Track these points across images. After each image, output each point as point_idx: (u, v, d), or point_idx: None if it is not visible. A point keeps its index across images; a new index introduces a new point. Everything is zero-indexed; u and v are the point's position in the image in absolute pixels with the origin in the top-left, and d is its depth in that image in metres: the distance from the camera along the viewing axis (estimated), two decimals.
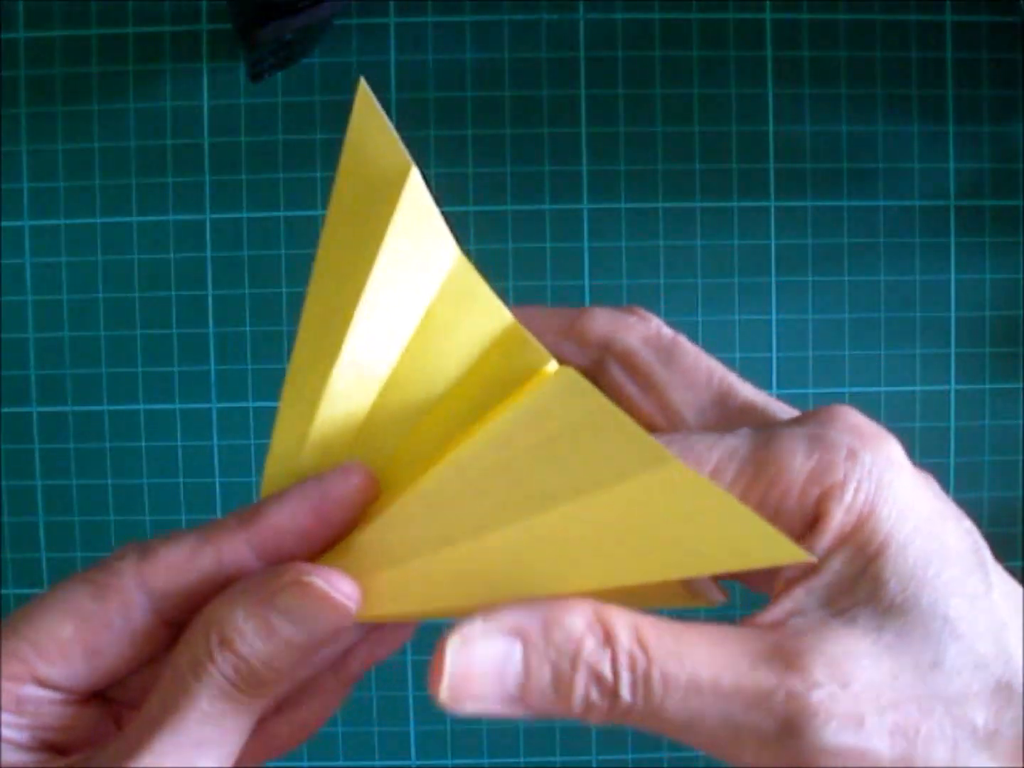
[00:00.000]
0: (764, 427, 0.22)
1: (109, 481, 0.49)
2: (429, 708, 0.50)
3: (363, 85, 0.25)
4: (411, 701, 0.50)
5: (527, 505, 0.21)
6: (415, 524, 0.22)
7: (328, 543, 0.24)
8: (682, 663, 0.20)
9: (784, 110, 0.49)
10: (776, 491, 0.21)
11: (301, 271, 0.50)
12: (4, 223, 0.49)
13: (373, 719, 0.50)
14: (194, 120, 0.49)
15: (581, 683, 0.20)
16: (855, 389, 0.50)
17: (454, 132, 0.49)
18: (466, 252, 0.26)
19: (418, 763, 0.50)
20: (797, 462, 0.21)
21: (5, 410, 0.49)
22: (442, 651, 0.21)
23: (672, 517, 0.20)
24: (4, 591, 0.49)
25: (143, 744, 0.21)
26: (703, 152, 0.50)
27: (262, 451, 0.50)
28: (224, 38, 0.49)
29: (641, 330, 0.26)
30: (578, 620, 0.20)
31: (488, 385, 0.24)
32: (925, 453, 0.50)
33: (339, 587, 0.22)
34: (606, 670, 0.20)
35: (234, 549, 0.23)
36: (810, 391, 0.50)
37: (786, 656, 0.20)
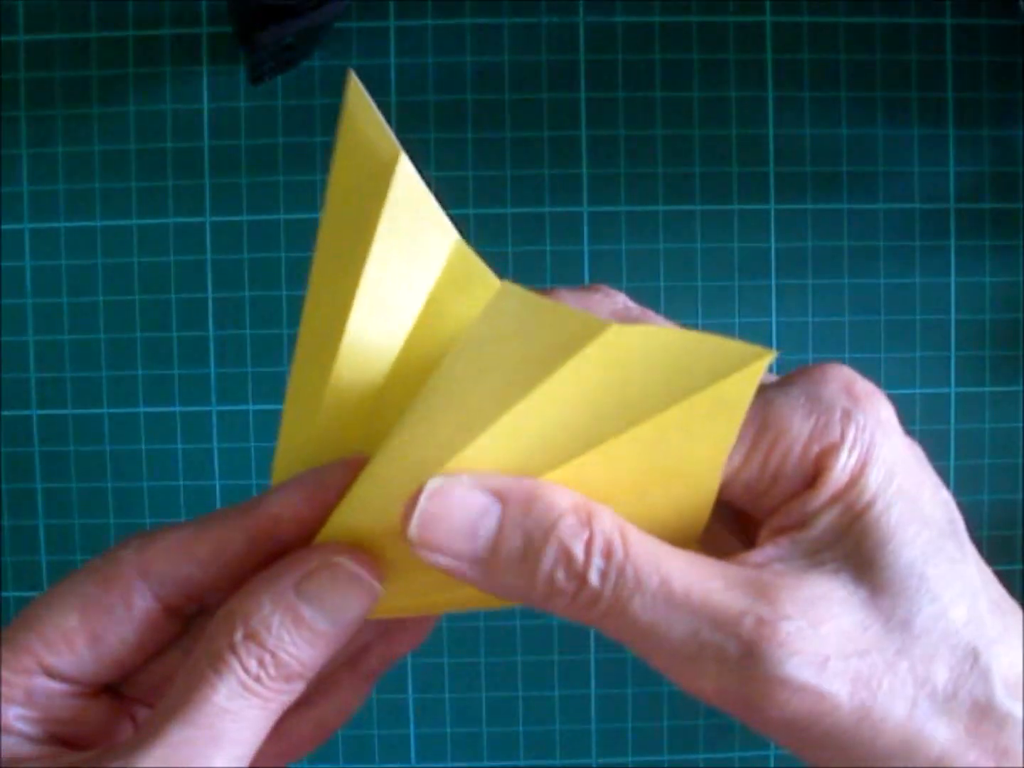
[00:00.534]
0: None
1: (109, 484, 0.49)
2: (429, 711, 0.50)
3: (353, 78, 0.24)
4: (411, 704, 0.50)
5: (501, 408, 0.21)
6: (394, 477, 0.22)
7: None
8: (658, 566, 0.20)
9: (784, 113, 0.49)
10: (778, 452, 0.21)
11: (301, 274, 0.49)
12: (4, 226, 0.49)
13: (373, 722, 0.50)
14: (194, 123, 0.49)
15: (550, 557, 0.20)
16: None
17: (454, 135, 0.49)
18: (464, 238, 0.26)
19: (418, 766, 0.50)
20: (796, 424, 0.21)
21: (5, 413, 0.49)
22: (420, 489, 0.21)
23: (636, 373, 0.20)
24: (4, 594, 0.49)
25: (156, 738, 0.21)
26: (703, 155, 0.50)
27: (262, 454, 0.50)
28: (224, 41, 0.49)
29: (608, 306, 0.26)
30: (563, 498, 0.21)
31: None
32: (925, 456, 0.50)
33: (365, 566, 0.22)
34: (578, 549, 0.20)
35: (231, 537, 0.23)
36: None
37: (762, 587, 0.20)
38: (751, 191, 0.50)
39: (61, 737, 0.24)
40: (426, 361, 0.24)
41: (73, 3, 0.48)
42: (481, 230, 0.48)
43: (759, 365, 0.21)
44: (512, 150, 0.49)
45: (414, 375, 0.24)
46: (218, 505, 0.49)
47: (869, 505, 0.21)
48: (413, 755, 0.50)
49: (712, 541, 0.23)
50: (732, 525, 0.25)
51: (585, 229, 0.49)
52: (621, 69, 0.49)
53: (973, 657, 0.20)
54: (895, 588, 0.20)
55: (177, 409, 0.49)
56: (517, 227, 0.49)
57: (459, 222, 0.51)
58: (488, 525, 0.21)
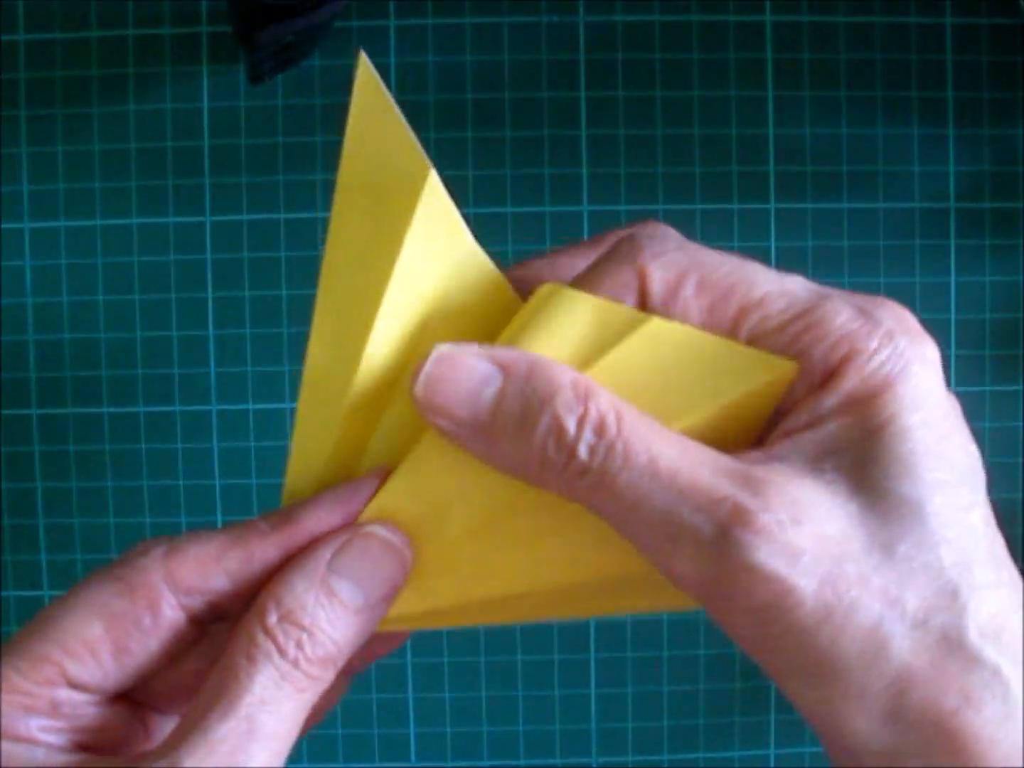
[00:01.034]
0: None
1: (109, 483, 0.49)
2: (429, 710, 0.50)
3: (364, 59, 0.24)
4: (411, 703, 0.50)
5: None
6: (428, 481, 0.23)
7: None
8: (649, 446, 0.20)
9: (784, 112, 0.49)
10: (809, 336, 0.21)
11: (301, 273, 0.50)
12: (4, 225, 0.49)
13: (373, 721, 0.50)
14: (194, 122, 0.49)
15: (543, 427, 0.21)
16: None
17: (454, 134, 0.49)
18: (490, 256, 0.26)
19: (418, 765, 0.50)
20: (839, 320, 0.21)
21: (5, 412, 0.49)
22: (430, 353, 0.22)
23: (672, 370, 0.21)
24: (4, 593, 0.49)
25: (194, 735, 0.21)
26: (703, 154, 0.50)
27: (262, 453, 0.50)
28: (224, 40, 0.49)
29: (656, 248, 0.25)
30: (564, 374, 0.21)
31: None
32: None
33: (396, 534, 0.23)
34: (570, 422, 0.21)
35: (264, 551, 0.23)
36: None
37: (750, 480, 0.20)
38: (751, 190, 0.50)
39: (84, 745, 0.24)
40: None
41: (73, 2, 0.48)
42: (481, 229, 0.48)
43: (785, 377, 0.21)
44: (512, 149, 0.49)
45: None
46: (218, 504, 0.49)
47: (886, 424, 0.21)
48: (413, 754, 0.50)
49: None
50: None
51: (585, 228, 0.49)
52: (621, 68, 0.49)
53: (952, 595, 0.20)
54: (888, 511, 0.20)
55: (177, 408, 0.49)
56: (517, 226, 0.49)
57: None
58: (489, 392, 0.21)
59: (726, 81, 0.49)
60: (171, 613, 0.23)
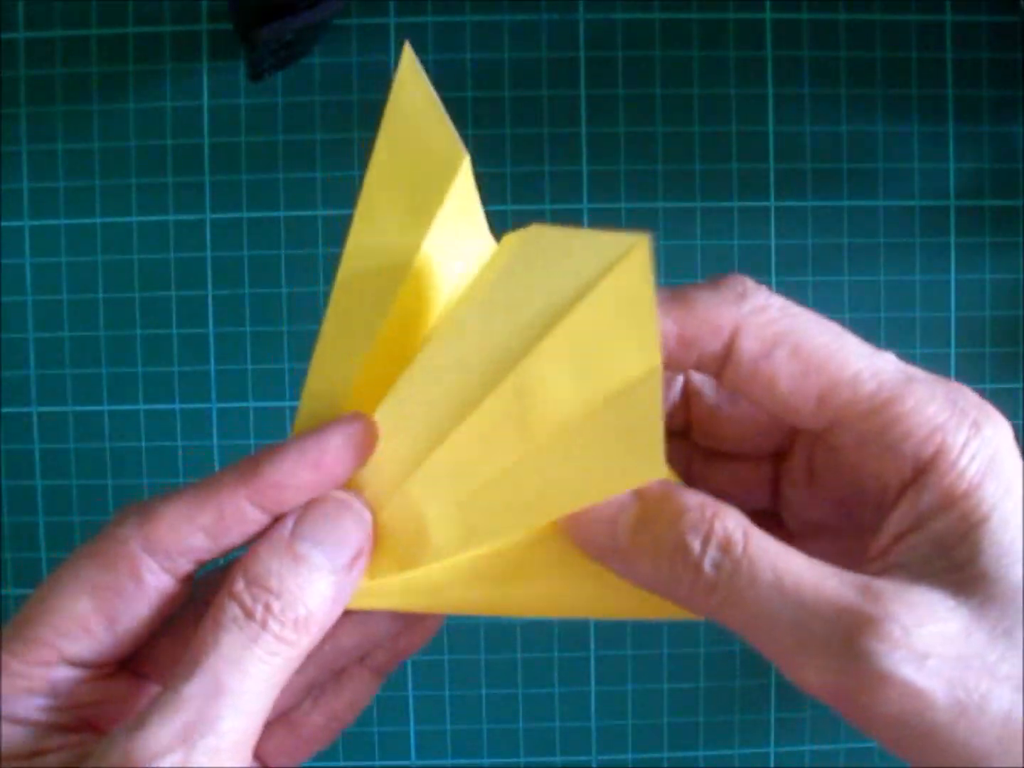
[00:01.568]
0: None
1: (109, 481, 0.49)
2: (429, 708, 0.50)
3: (408, 51, 0.24)
4: (411, 701, 0.50)
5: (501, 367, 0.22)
6: (406, 437, 0.23)
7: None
8: (774, 563, 0.21)
9: (784, 110, 0.49)
10: (900, 428, 0.22)
11: (302, 271, 0.50)
12: (4, 223, 0.49)
13: (373, 719, 0.50)
14: (194, 120, 0.49)
15: (671, 544, 0.22)
16: None
17: None
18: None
19: (418, 763, 0.50)
20: (930, 410, 0.22)
21: (5, 410, 0.49)
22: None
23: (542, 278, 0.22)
24: (4, 591, 0.49)
25: (158, 702, 0.21)
26: (703, 152, 0.50)
27: None
28: (224, 38, 0.49)
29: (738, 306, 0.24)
30: (692, 498, 0.22)
31: None
32: None
33: (356, 497, 0.24)
34: (695, 541, 0.22)
35: (234, 505, 0.23)
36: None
37: (871, 589, 0.21)
38: (751, 188, 0.50)
39: (88, 721, 0.24)
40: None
41: (73, 0, 0.48)
42: None
43: (642, 253, 0.22)
44: (512, 147, 0.49)
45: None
46: None
47: (987, 517, 0.21)
48: (413, 752, 0.50)
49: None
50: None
51: (585, 226, 0.49)
52: (621, 66, 0.49)
53: None
54: (1005, 601, 0.21)
55: (177, 406, 0.49)
56: (518, 224, 0.49)
57: None
58: (625, 519, 0.23)
59: (726, 78, 0.49)
60: (154, 578, 0.23)
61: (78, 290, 0.49)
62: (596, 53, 0.49)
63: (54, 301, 0.49)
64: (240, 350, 0.49)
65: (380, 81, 0.49)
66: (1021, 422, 0.50)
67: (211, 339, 0.49)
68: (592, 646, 0.50)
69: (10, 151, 0.49)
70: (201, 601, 0.24)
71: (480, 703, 0.50)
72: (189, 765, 0.20)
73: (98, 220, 0.49)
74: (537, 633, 0.50)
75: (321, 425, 0.24)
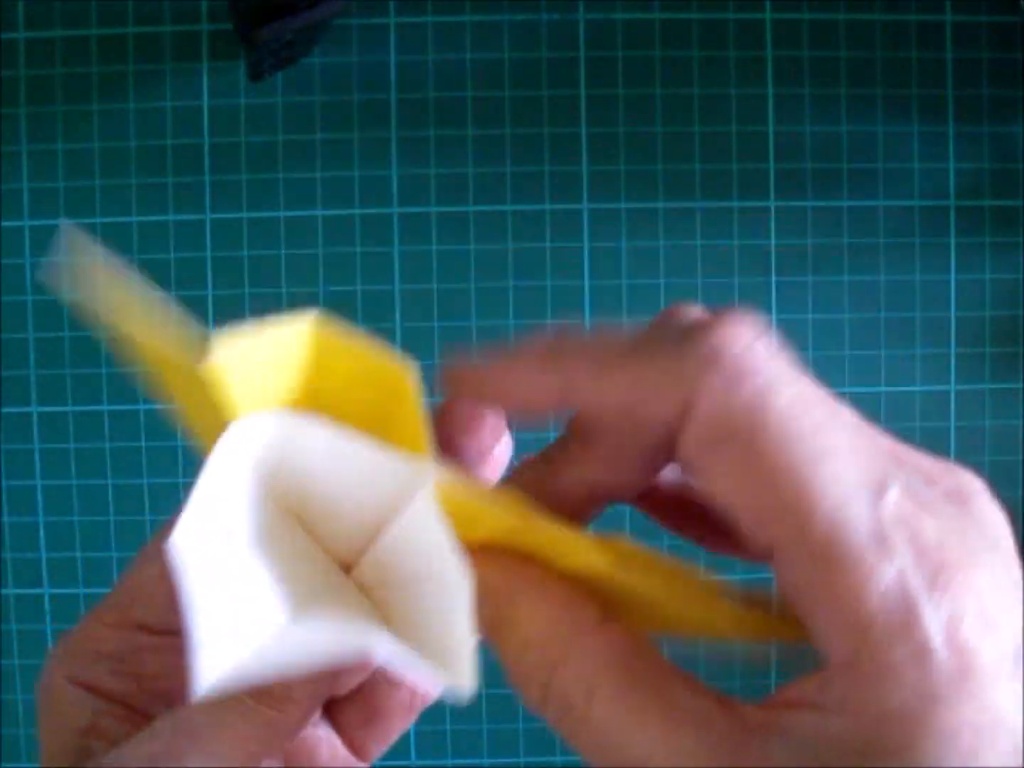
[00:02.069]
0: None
1: (109, 481, 0.49)
2: (429, 708, 0.50)
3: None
4: None
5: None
6: None
7: None
8: (621, 732, 0.18)
9: (784, 110, 0.49)
10: (838, 606, 0.17)
11: (301, 271, 0.50)
12: (4, 223, 0.49)
13: None
14: (194, 120, 0.49)
15: (513, 681, 0.19)
16: (855, 389, 0.50)
17: (454, 132, 0.49)
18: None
19: (418, 763, 0.50)
20: (877, 603, 0.16)
21: (5, 410, 0.49)
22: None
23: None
24: (4, 591, 0.49)
25: (146, 732, 0.21)
26: (703, 152, 0.50)
27: None
28: (224, 38, 0.49)
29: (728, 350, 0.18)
30: (535, 628, 0.19)
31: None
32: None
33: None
34: (533, 691, 0.19)
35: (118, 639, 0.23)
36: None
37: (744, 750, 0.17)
38: (751, 188, 0.50)
39: (154, 695, 0.23)
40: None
41: (73, 0, 0.48)
42: (481, 227, 0.48)
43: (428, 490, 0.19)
44: (512, 147, 0.49)
45: None
46: None
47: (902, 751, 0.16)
48: (413, 752, 0.50)
49: None
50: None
51: (585, 226, 0.49)
52: (621, 66, 0.49)
53: None
54: None
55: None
56: (517, 224, 0.49)
57: (459, 219, 0.51)
58: (482, 615, 0.19)
59: (726, 78, 0.49)
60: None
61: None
62: (596, 53, 0.49)
63: (54, 301, 0.49)
64: None
65: (380, 81, 0.49)
66: (1021, 421, 0.50)
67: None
68: None
69: (10, 151, 0.48)
70: None
71: (480, 703, 0.50)
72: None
73: (98, 220, 0.49)
74: None
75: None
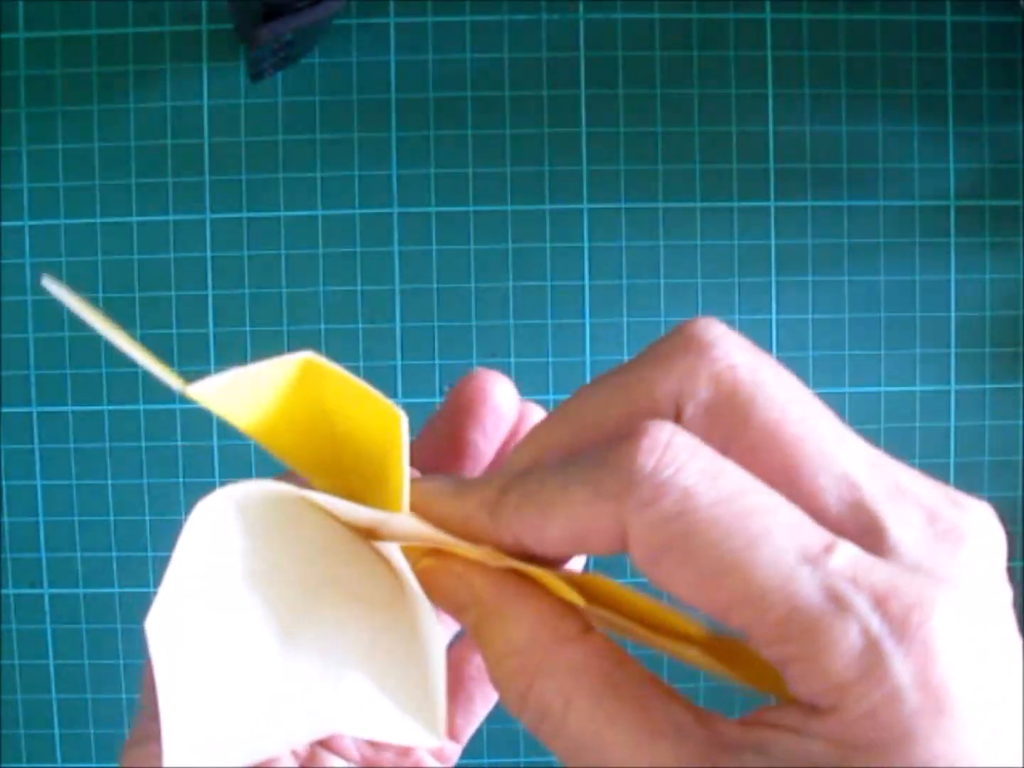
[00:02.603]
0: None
1: (109, 481, 0.49)
2: None
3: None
4: None
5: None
6: None
7: None
8: (599, 743, 0.18)
9: (784, 110, 0.49)
10: (799, 670, 0.17)
11: (301, 271, 0.50)
12: (4, 223, 0.49)
13: None
14: (194, 120, 0.49)
15: (492, 680, 0.20)
16: (855, 389, 0.50)
17: (454, 132, 0.49)
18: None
19: None
20: (837, 663, 0.17)
21: (5, 410, 0.49)
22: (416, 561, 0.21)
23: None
24: (4, 591, 0.49)
25: None
26: (703, 152, 0.50)
27: (262, 451, 0.50)
28: (224, 38, 0.49)
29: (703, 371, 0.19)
30: (519, 632, 0.19)
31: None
32: (925, 453, 0.50)
33: None
34: (512, 701, 0.19)
35: None
36: (810, 391, 0.50)
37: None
38: (751, 188, 0.50)
39: None
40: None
41: (73, 0, 0.48)
42: (481, 226, 0.48)
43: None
44: (512, 147, 0.49)
45: None
46: None
47: None
48: None
49: None
50: None
51: (585, 226, 0.49)
52: (621, 66, 0.49)
53: None
54: None
55: (177, 406, 0.49)
56: (517, 223, 0.49)
57: (459, 218, 0.51)
58: (470, 618, 0.20)
59: (726, 78, 0.49)
60: None
61: (78, 289, 0.49)
62: (596, 53, 0.49)
63: (54, 301, 0.49)
64: (240, 350, 0.49)
65: (380, 81, 0.49)
66: (1021, 421, 0.50)
67: (211, 339, 0.49)
68: None
69: (10, 151, 0.49)
70: None
71: None
72: (126, 764, 0.23)
73: (98, 220, 0.49)
74: None
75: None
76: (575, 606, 0.19)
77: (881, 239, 0.50)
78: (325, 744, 0.25)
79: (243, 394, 0.21)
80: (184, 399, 0.52)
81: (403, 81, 0.49)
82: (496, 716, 0.51)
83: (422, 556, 0.21)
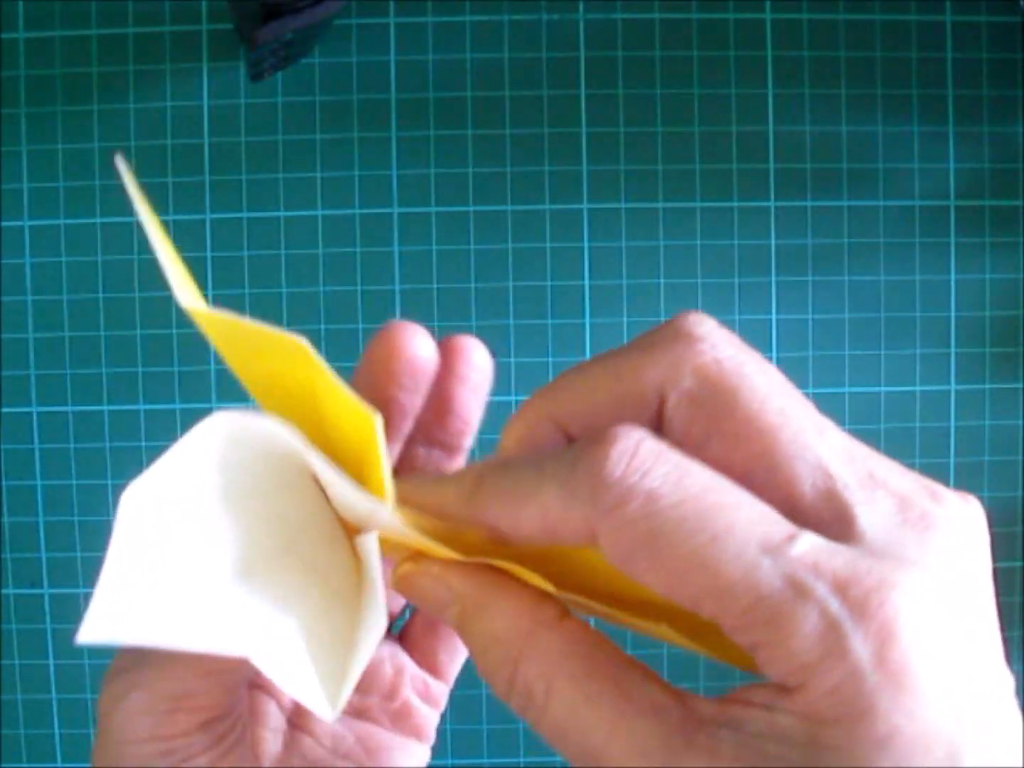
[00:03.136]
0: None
1: (109, 481, 0.49)
2: None
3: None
4: None
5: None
6: None
7: None
8: (581, 728, 0.20)
9: (784, 110, 0.49)
10: (767, 655, 0.18)
11: (301, 271, 0.50)
12: (4, 223, 0.49)
13: None
14: (194, 120, 0.49)
15: (480, 670, 0.21)
16: (855, 389, 0.50)
17: (454, 132, 0.49)
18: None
19: None
20: (799, 644, 0.17)
21: (5, 410, 0.49)
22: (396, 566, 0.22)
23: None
24: (4, 591, 0.49)
25: None
26: (703, 152, 0.50)
27: None
28: (224, 38, 0.49)
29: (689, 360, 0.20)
30: (503, 621, 0.20)
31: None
32: (925, 453, 0.50)
33: None
34: (499, 684, 0.20)
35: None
36: (810, 391, 0.50)
37: (696, 743, 0.18)
38: (751, 188, 0.50)
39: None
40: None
41: (73, 0, 0.48)
42: (481, 226, 0.48)
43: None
44: (512, 147, 0.49)
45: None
46: None
47: (841, 749, 0.17)
48: None
49: None
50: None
51: (585, 226, 0.49)
52: (621, 66, 0.49)
53: None
54: None
55: (177, 406, 0.49)
56: (517, 223, 0.49)
57: (459, 219, 0.51)
58: (452, 614, 0.21)
59: (726, 78, 0.49)
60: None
61: (78, 290, 0.49)
62: (596, 53, 0.49)
63: (54, 301, 0.49)
64: None
65: (380, 81, 0.49)
66: (1021, 421, 0.50)
67: None
68: None
69: (10, 151, 0.48)
70: None
71: (480, 703, 0.50)
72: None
73: (98, 220, 0.49)
74: None
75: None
76: (552, 597, 0.20)
77: (881, 239, 0.50)
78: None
79: (242, 345, 0.23)
80: (184, 399, 0.52)
81: (403, 81, 0.49)
82: (496, 716, 0.51)
83: (402, 562, 0.21)
